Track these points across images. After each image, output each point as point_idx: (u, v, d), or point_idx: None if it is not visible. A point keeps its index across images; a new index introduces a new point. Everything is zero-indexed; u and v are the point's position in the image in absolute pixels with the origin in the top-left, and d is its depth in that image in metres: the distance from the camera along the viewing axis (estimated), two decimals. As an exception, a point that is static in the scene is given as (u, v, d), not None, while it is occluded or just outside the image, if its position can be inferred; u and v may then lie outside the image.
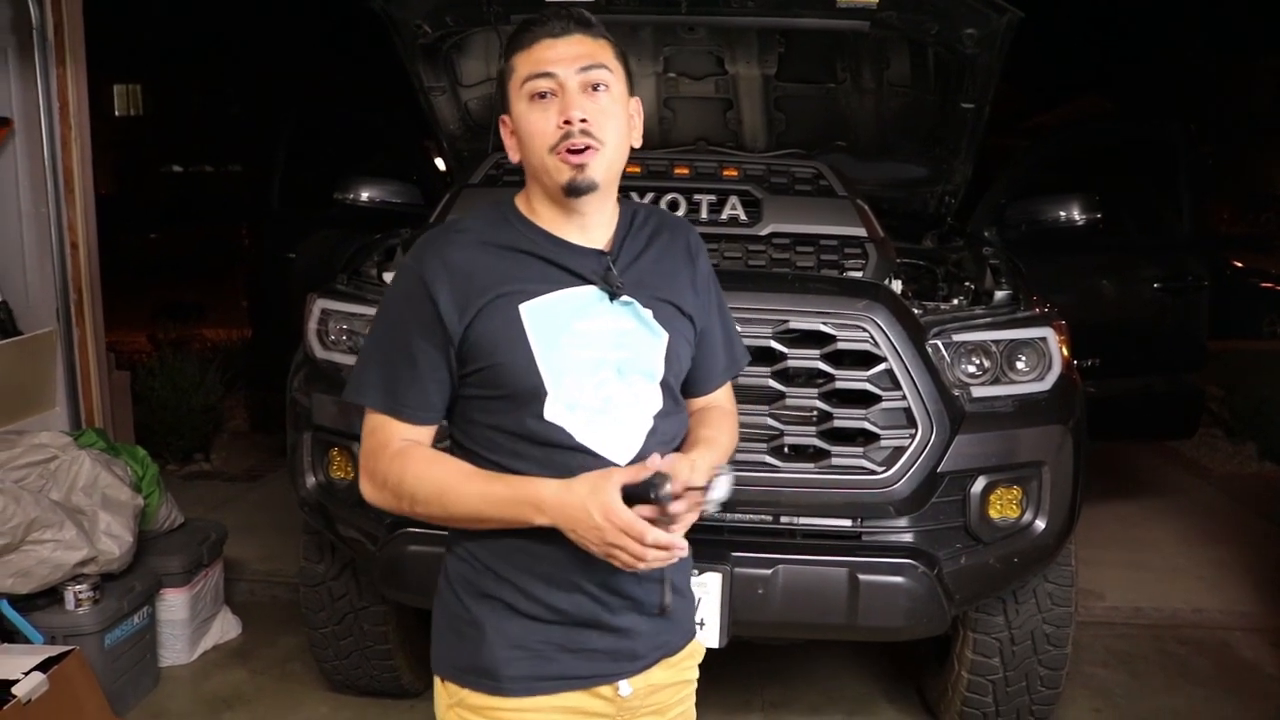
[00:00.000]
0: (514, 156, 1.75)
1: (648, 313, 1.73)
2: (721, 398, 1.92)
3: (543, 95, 1.66)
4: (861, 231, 3.28)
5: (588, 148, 1.65)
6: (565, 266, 1.70)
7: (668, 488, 1.55)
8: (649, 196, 3.22)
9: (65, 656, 3.28)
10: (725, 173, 3.51)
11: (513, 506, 1.62)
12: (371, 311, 3.16)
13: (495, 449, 1.70)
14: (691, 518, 1.61)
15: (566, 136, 1.64)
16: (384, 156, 6.46)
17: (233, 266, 14.50)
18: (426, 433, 1.73)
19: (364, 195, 4.58)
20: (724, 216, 3.30)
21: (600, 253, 1.73)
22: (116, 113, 32.90)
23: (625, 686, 1.74)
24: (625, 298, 1.71)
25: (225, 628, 4.30)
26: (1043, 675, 3.40)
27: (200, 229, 21.63)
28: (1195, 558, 5.34)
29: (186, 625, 4.07)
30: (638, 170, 3.30)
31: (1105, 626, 4.56)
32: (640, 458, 1.68)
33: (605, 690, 1.73)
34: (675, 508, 1.56)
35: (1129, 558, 5.27)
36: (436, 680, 1.77)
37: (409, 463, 1.68)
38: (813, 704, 3.89)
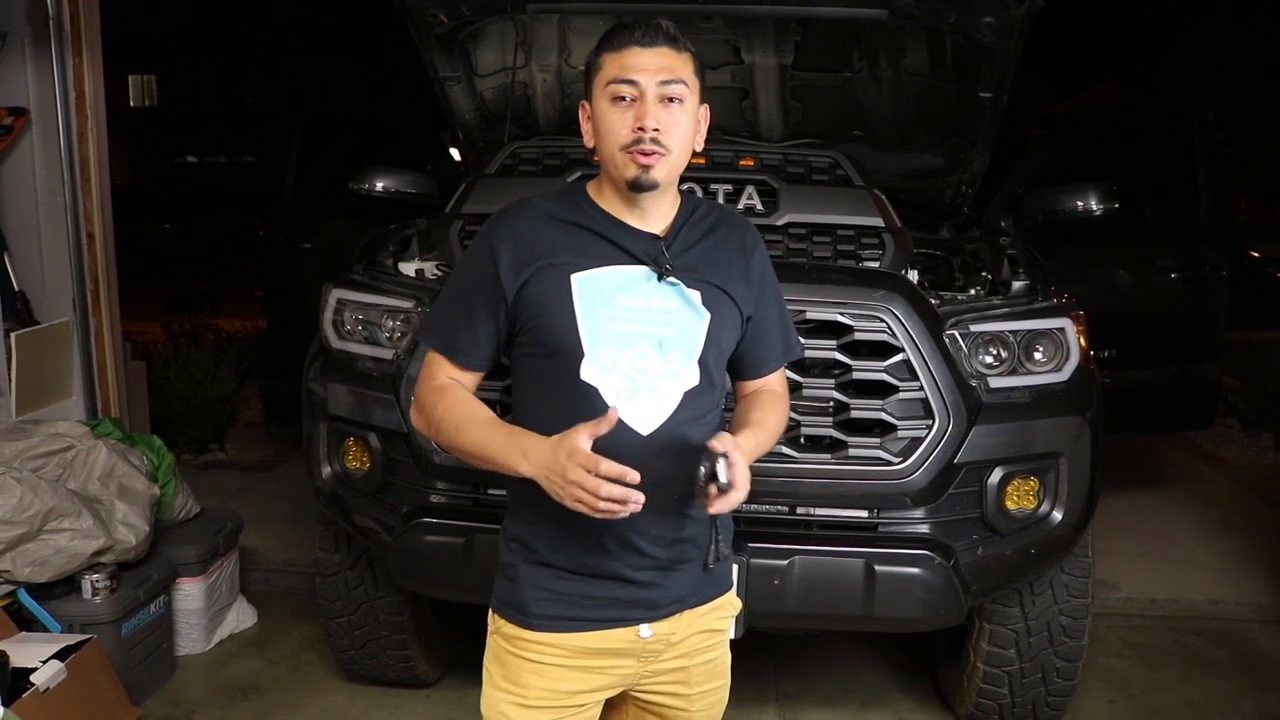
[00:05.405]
0: (588, 142, 1.92)
1: (694, 294, 1.88)
2: (774, 382, 2.08)
3: (623, 99, 1.84)
4: (878, 221, 3.28)
5: (654, 153, 1.82)
6: (620, 245, 1.88)
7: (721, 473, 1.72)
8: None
9: (83, 645, 3.30)
10: (741, 162, 3.51)
11: (505, 450, 1.79)
12: (386, 301, 3.25)
13: (539, 405, 1.89)
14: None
15: (638, 141, 1.82)
16: (399, 146, 6.46)
17: (247, 257, 14.55)
18: (471, 378, 1.96)
19: (379, 185, 4.57)
20: (740, 206, 3.30)
21: (655, 236, 1.90)
22: (132, 103, 33.06)
23: (645, 629, 1.91)
24: (672, 278, 1.86)
25: (241, 617, 4.31)
26: (1059, 667, 3.39)
27: (215, 219, 21.71)
28: (1212, 549, 5.33)
29: (202, 614, 4.09)
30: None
31: (1121, 618, 4.54)
32: (664, 430, 1.84)
33: (625, 632, 1.91)
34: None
35: (1145, 549, 5.26)
36: (490, 610, 2.01)
37: (445, 395, 1.90)
38: (827, 695, 3.88)
